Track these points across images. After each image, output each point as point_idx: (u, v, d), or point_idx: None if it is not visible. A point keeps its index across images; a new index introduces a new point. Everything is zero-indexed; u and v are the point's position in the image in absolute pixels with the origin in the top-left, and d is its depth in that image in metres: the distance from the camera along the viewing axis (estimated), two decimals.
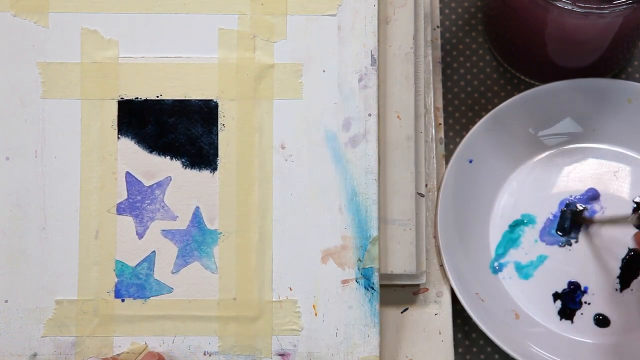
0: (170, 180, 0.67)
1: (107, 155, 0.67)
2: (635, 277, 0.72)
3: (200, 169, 0.67)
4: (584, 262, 0.72)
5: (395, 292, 0.70)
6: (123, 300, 0.66)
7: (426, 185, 0.71)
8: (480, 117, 0.72)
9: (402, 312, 0.70)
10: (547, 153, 0.74)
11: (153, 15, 0.68)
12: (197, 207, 0.67)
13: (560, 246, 0.72)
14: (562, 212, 0.73)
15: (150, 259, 0.67)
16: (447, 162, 0.72)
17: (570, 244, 0.72)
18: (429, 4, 0.73)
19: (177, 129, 0.67)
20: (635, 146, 0.73)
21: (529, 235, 0.73)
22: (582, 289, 0.72)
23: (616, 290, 0.72)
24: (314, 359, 0.67)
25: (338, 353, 0.66)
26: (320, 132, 0.67)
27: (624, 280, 0.72)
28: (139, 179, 0.67)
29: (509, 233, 0.73)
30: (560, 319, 0.71)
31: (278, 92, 0.67)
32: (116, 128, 0.67)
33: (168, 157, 0.67)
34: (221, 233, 0.67)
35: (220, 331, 0.66)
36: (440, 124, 0.73)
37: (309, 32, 0.68)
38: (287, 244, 0.67)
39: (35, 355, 0.66)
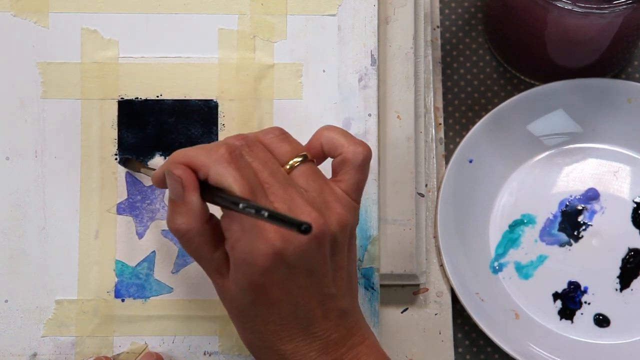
0: None
1: (107, 155, 0.67)
2: (635, 277, 0.72)
3: None
4: (584, 262, 0.72)
5: (395, 292, 0.70)
6: (123, 300, 0.66)
7: (426, 185, 0.71)
8: (480, 117, 0.72)
9: (402, 312, 0.70)
10: (547, 153, 0.74)
11: (153, 15, 0.68)
12: None
13: (560, 246, 0.72)
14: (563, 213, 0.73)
15: (150, 259, 0.67)
16: (447, 162, 0.72)
17: (570, 244, 0.72)
18: (429, 4, 0.73)
19: (177, 129, 0.67)
20: (635, 146, 0.73)
21: (529, 235, 0.73)
22: (582, 289, 0.72)
23: (616, 290, 0.72)
24: None
25: None
26: None
27: (624, 280, 0.72)
28: (139, 179, 0.67)
29: (509, 233, 0.73)
30: (560, 319, 0.71)
31: (278, 92, 0.67)
32: (116, 128, 0.67)
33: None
34: None
35: (221, 331, 0.66)
36: (440, 124, 0.73)
37: (309, 32, 0.68)
38: None
39: (35, 355, 0.66)
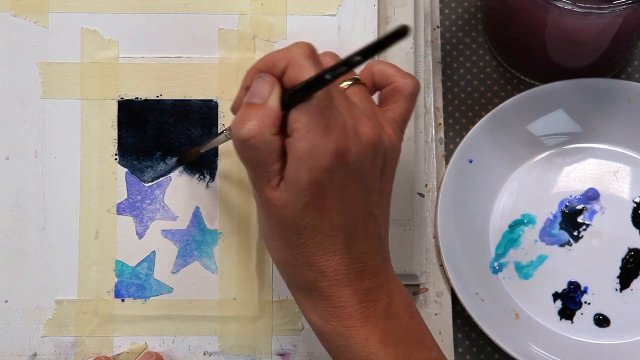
0: (170, 180, 0.67)
1: (107, 155, 0.67)
2: (635, 277, 0.72)
3: (198, 174, 0.67)
4: (584, 262, 0.72)
5: None
6: (123, 300, 0.66)
7: (426, 185, 0.71)
8: (480, 117, 0.72)
9: None
10: (547, 153, 0.74)
11: (153, 15, 0.68)
12: (197, 207, 0.67)
13: (560, 246, 0.72)
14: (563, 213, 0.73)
15: (150, 259, 0.67)
16: (447, 162, 0.72)
17: (570, 244, 0.72)
18: (429, 4, 0.73)
19: (177, 129, 0.67)
20: (635, 146, 0.73)
21: (529, 235, 0.73)
22: (582, 289, 0.72)
23: (616, 290, 0.72)
24: (313, 359, 0.67)
25: None
26: None
27: (624, 280, 0.72)
28: (139, 178, 0.67)
29: (509, 233, 0.73)
30: (560, 319, 0.71)
31: None
32: (116, 128, 0.67)
33: (168, 158, 0.67)
34: (221, 233, 0.67)
35: (220, 331, 0.66)
36: (440, 124, 0.73)
37: (309, 32, 0.68)
38: None
39: (35, 355, 0.66)
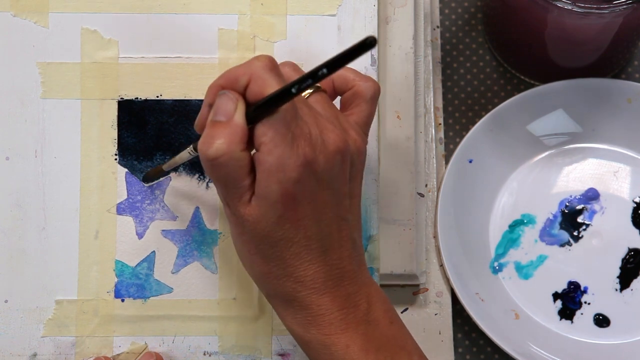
0: (170, 180, 0.67)
1: (107, 155, 0.67)
2: (635, 277, 0.72)
3: (198, 174, 0.67)
4: (584, 262, 0.72)
5: (395, 292, 0.70)
6: (123, 300, 0.66)
7: (426, 185, 0.71)
8: (480, 117, 0.72)
9: (402, 312, 0.70)
10: (547, 153, 0.74)
11: (153, 15, 0.68)
12: (197, 207, 0.67)
13: (560, 246, 0.72)
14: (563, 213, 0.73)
15: (150, 259, 0.67)
16: (447, 162, 0.72)
17: (570, 244, 0.72)
18: (429, 4, 0.73)
19: (177, 129, 0.67)
20: (635, 146, 0.73)
21: (529, 235, 0.73)
22: (582, 289, 0.72)
23: (616, 290, 0.72)
24: None
25: None
26: None
27: (624, 280, 0.72)
28: (139, 179, 0.67)
29: (509, 233, 0.73)
30: (560, 319, 0.71)
31: None
32: (116, 128, 0.67)
33: (168, 158, 0.67)
34: (221, 233, 0.67)
35: (220, 331, 0.66)
36: (440, 124, 0.73)
37: (309, 32, 0.68)
38: None
39: (35, 355, 0.66)
